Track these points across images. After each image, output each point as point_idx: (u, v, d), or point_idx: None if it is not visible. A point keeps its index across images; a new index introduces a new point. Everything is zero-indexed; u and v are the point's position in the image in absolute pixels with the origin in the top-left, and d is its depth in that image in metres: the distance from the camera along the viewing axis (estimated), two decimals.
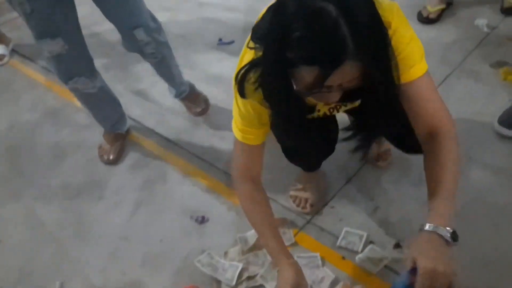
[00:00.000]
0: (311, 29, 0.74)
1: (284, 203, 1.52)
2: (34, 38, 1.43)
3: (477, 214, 1.37)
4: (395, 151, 1.57)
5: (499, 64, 1.90)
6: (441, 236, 0.83)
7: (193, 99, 1.92)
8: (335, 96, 0.86)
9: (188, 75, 1.94)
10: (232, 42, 2.39)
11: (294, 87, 0.84)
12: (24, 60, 2.54)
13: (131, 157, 1.83)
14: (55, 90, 2.25)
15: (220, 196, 1.60)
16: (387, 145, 1.58)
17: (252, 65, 0.95)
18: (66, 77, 1.55)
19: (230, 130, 1.14)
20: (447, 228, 0.84)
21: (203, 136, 1.86)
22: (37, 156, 1.93)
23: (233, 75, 0.99)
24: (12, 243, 1.60)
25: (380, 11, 0.79)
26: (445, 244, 0.84)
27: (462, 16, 2.18)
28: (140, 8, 1.50)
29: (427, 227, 0.85)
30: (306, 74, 0.79)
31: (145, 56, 1.64)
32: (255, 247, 1.41)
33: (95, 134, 1.89)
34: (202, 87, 2.03)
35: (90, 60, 1.59)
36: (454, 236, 0.85)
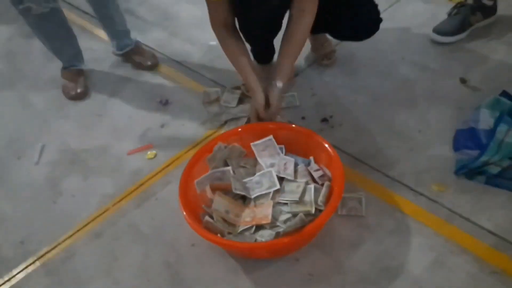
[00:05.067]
0: None
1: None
2: None
3: (401, 97, 1.61)
4: (339, 52, 1.79)
5: None
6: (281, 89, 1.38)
7: (140, 53, 1.96)
8: None
9: None
10: None
11: None
12: None
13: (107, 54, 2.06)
14: None
15: (184, 86, 1.84)
16: (333, 46, 1.79)
17: None
18: None
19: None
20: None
21: (176, 41, 2.09)
22: (32, 57, 2.18)
23: None
24: (5, 118, 1.86)
25: None
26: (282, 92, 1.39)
27: None
28: None
29: (279, 84, 1.37)
30: None
31: None
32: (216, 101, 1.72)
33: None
34: (184, 6, 2.26)
35: None
36: None
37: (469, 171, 1.32)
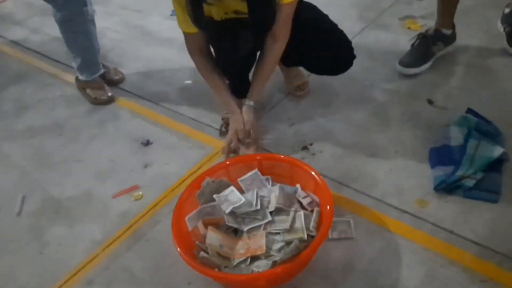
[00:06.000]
0: None
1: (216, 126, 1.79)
2: None
3: (374, 121, 1.69)
4: (311, 84, 1.88)
5: (406, 18, 2.23)
6: (253, 107, 1.62)
7: (106, 72, 2.13)
8: None
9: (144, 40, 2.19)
10: None
11: None
12: None
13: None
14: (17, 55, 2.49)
15: (164, 125, 1.86)
16: (305, 78, 1.87)
17: None
18: None
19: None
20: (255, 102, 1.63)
21: (151, 83, 2.13)
22: (3, 109, 2.15)
23: None
24: None
25: None
26: (255, 110, 1.63)
27: None
28: None
29: (249, 102, 1.62)
30: None
31: None
32: None
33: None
34: (155, 48, 2.31)
35: None
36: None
37: (447, 186, 1.39)
